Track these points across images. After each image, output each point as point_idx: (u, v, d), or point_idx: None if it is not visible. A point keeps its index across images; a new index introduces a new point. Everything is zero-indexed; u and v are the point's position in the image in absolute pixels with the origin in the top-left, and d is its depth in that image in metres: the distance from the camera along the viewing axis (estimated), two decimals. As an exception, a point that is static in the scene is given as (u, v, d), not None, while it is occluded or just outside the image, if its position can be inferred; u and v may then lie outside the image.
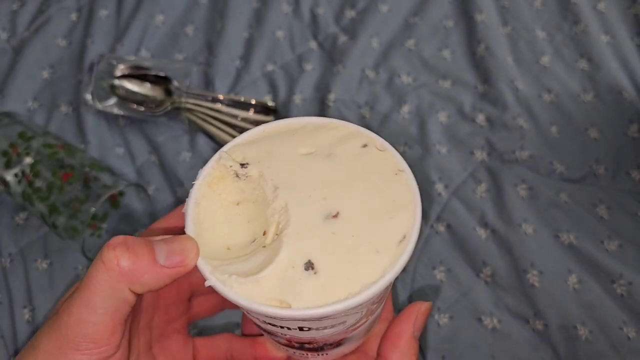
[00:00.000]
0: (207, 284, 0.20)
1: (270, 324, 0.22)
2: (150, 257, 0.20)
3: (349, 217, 0.22)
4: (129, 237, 0.20)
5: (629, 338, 0.40)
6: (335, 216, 0.22)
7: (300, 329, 0.22)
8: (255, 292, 0.20)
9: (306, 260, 0.21)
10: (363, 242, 0.21)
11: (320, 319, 0.20)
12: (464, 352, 0.41)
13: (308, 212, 0.22)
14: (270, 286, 0.20)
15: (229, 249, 0.22)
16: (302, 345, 0.26)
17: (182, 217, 0.22)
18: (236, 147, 0.24)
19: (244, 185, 0.23)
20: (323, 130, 0.25)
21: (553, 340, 0.41)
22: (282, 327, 0.22)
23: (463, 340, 0.41)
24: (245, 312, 0.23)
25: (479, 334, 0.41)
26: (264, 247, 0.22)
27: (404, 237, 0.22)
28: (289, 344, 0.25)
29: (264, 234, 0.22)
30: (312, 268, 0.21)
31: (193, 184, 0.23)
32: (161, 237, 0.21)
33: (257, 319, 0.22)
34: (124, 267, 0.20)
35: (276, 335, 0.24)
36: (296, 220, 0.22)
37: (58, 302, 0.23)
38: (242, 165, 0.23)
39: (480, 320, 0.42)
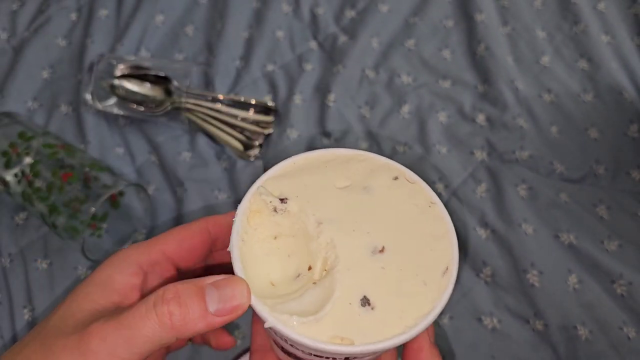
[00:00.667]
0: (267, 325, 0.20)
1: (316, 355, 0.22)
2: (201, 307, 0.21)
3: (394, 251, 0.23)
4: (180, 288, 0.21)
5: (629, 338, 0.40)
6: (382, 251, 0.23)
7: (347, 358, 0.22)
8: (317, 331, 0.20)
9: (362, 297, 0.21)
10: (411, 275, 0.22)
11: (378, 352, 0.21)
12: (464, 352, 0.41)
13: (355, 248, 0.23)
14: (331, 324, 0.20)
15: (273, 284, 0.22)
16: None
17: (204, 231, 0.23)
18: (270, 180, 0.25)
19: (281, 220, 0.24)
20: (353, 162, 0.26)
21: (553, 340, 0.41)
22: (327, 358, 0.23)
23: (463, 340, 0.41)
24: (280, 339, 0.23)
25: (479, 334, 0.41)
26: (314, 283, 0.22)
27: (447, 269, 0.23)
28: None
29: (309, 269, 0.23)
30: (369, 304, 0.21)
31: (234, 220, 0.23)
32: (212, 278, 0.21)
33: (299, 349, 0.22)
34: (176, 323, 0.20)
35: None
36: (345, 256, 0.22)
37: (63, 308, 0.23)
38: (282, 200, 0.24)
39: (480, 320, 0.42)
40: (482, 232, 0.45)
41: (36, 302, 0.43)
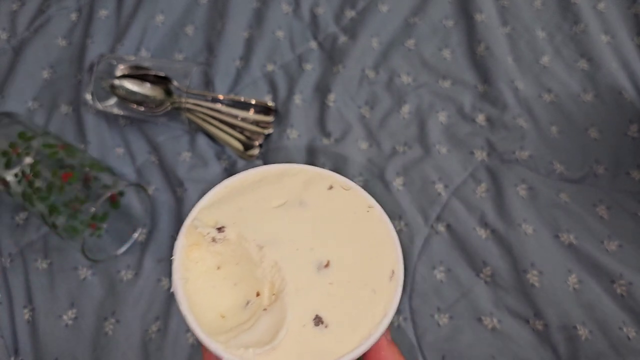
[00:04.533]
0: None
1: None
2: None
3: (340, 263, 0.23)
4: None
5: (629, 338, 0.40)
6: (327, 265, 0.22)
7: None
8: (275, 359, 0.20)
9: (314, 316, 0.21)
10: (359, 285, 0.22)
11: None
12: (463, 352, 0.41)
13: (300, 267, 0.22)
14: (288, 350, 0.20)
15: (223, 316, 0.22)
16: None
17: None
18: (204, 210, 0.24)
19: (221, 249, 0.23)
20: (286, 177, 0.26)
21: (553, 340, 0.41)
22: None
23: (463, 340, 0.41)
24: None
25: (479, 334, 0.41)
26: (265, 309, 0.22)
27: (393, 272, 0.23)
28: None
29: (258, 295, 0.22)
30: (322, 322, 0.21)
31: (173, 259, 0.22)
32: None
33: None
34: None
35: None
36: (291, 277, 0.22)
37: None
38: (219, 229, 0.23)
39: (480, 320, 0.42)
40: (482, 232, 0.45)
41: (36, 302, 0.43)
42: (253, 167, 0.26)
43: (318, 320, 0.21)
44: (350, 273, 0.22)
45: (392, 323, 0.42)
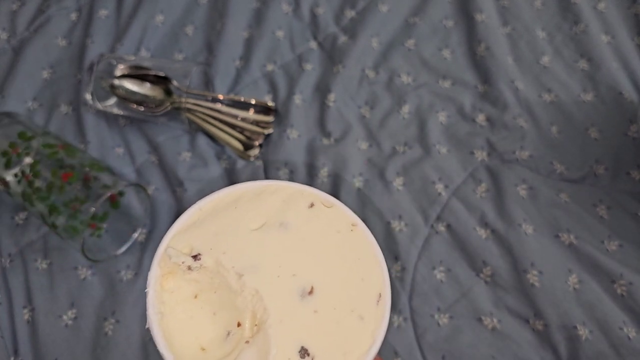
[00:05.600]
0: None
1: None
2: None
3: (324, 289, 0.21)
4: None
5: (629, 338, 0.40)
6: (311, 292, 0.21)
7: None
8: None
9: (299, 349, 0.20)
10: (345, 312, 0.21)
11: None
12: (464, 352, 0.41)
13: (283, 295, 0.21)
14: None
15: (204, 349, 0.21)
16: None
17: None
18: (178, 235, 0.23)
19: (198, 276, 0.22)
20: (264, 195, 0.24)
21: (553, 340, 0.40)
22: None
23: (463, 340, 0.41)
24: None
25: (479, 334, 0.41)
26: (247, 342, 0.20)
27: (380, 296, 0.22)
28: None
29: (239, 325, 0.21)
30: (308, 354, 0.20)
31: (147, 292, 0.21)
32: None
33: None
34: None
35: None
36: (274, 307, 0.21)
37: None
38: (194, 257, 0.22)
39: (480, 320, 0.42)
40: (482, 232, 0.45)
41: (36, 302, 0.43)
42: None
43: (304, 353, 0.20)
44: (336, 299, 0.21)
45: (391, 323, 0.42)
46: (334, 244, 0.23)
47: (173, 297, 0.21)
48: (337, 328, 0.21)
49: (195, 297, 0.22)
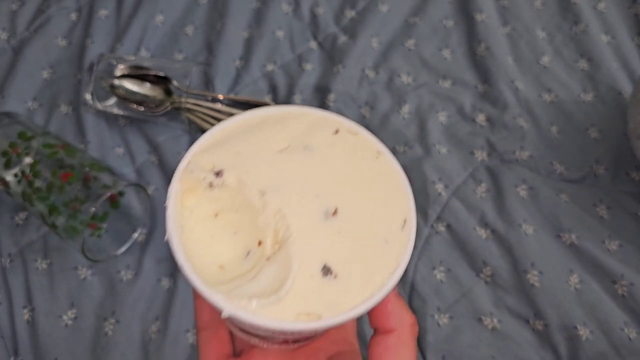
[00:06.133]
0: (225, 315, 0.18)
1: (279, 332, 0.20)
2: None
3: (348, 211, 0.21)
4: None
5: (629, 339, 0.40)
6: (335, 213, 0.21)
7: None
8: (280, 311, 0.19)
9: (322, 266, 0.20)
10: (369, 234, 0.21)
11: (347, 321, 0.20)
12: (464, 352, 0.41)
13: (306, 214, 0.21)
14: (294, 301, 0.19)
15: (222, 267, 0.20)
16: (296, 341, 0.25)
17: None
18: (200, 153, 0.22)
19: (219, 194, 0.21)
20: (288, 120, 0.24)
21: (553, 340, 0.40)
22: (292, 333, 0.21)
23: (463, 340, 0.41)
24: (237, 324, 0.22)
25: (479, 334, 0.41)
26: (268, 259, 0.20)
27: (405, 221, 0.21)
28: (283, 342, 0.25)
29: (260, 244, 0.21)
30: (331, 273, 0.20)
31: (166, 206, 0.20)
32: None
33: (260, 329, 0.21)
34: None
35: (273, 339, 0.24)
36: (297, 226, 0.20)
37: None
38: (217, 174, 0.21)
39: (480, 320, 0.42)
40: (482, 232, 0.45)
41: (36, 302, 0.43)
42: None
43: (327, 271, 0.20)
44: (360, 222, 0.21)
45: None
46: (358, 169, 0.22)
47: (193, 215, 0.21)
48: (361, 249, 0.20)
49: (216, 215, 0.21)
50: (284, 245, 0.20)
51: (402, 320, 0.23)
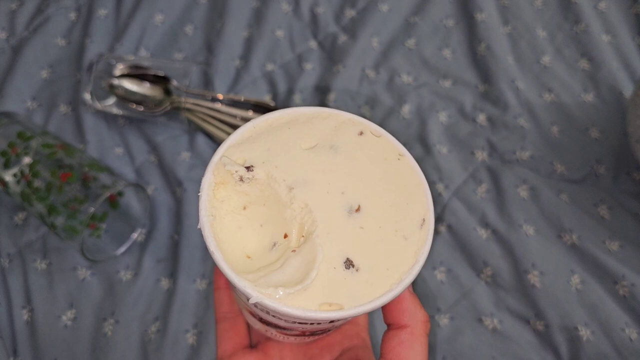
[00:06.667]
0: (252, 301, 0.19)
1: (300, 322, 0.22)
2: None
3: (371, 208, 0.22)
4: None
5: (631, 339, 0.40)
6: (358, 210, 0.22)
7: (332, 321, 0.22)
8: (305, 300, 0.20)
9: (345, 259, 0.21)
10: (390, 231, 0.22)
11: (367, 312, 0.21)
12: (464, 352, 0.41)
13: (331, 210, 0.22)
14: (318, 291, 0.20)
15: (249, 257, 0.22)
16: (313, 334, 0.26)
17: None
18: (232, 148, 0.23)
19: (248, 189, 0.23)
20: (316, 120, 0.25)
21: (554, 341, 0.40)
22: (312, 324, 0.22)
23: (463, 341, 0.41)
24: (261, 312, 0.23)
25: (480, 334, 0.41)
26: (293, 251, 0.21)
27: (424, 221, 0.22)
28: (300, 334, 0.25)
29: (285, 237, 0.22)
30: (353, 266, 0.21)
31: (200, 196, 0.22)
32: None
33: (282, 319, 0.22)
34: None
35: (291, 330, 0.24)
36: (322, 219, 0.22)
37: None
38: (247, 168, 0.23)
39: (480, 320, 0.42)
40: (482, 233, 0.45)
41: (35, 303, 0.43)
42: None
43: (349, 264, 0.21)
44: (381, 219, 0.22)
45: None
46: (381, 169, 0.24)
47: (223, 206, 0.22)
48: (382, 245, 0.21)
49: (244, 208, 0.22)
50: (309, 238, 0.21)
51: (415, 317, 0.24)
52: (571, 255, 0.43)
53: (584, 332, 0.40)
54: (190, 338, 0.42)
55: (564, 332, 0.40)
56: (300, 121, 0.25)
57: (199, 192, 0.22)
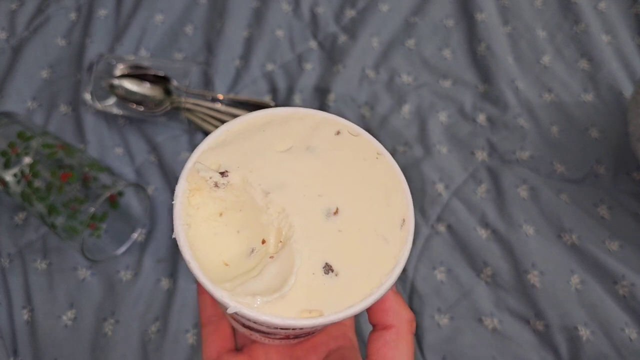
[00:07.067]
0: (230, 311, 0.19)
1: (282, 328, 0.21)
2: None
3: (349, 210, 0.22)
4: None
5: (630, 339, 0.40)
6: (336, 212, 0.22)
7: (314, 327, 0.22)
8: (283, 308, 0.19)
9: (324, 264, 0.20)
10: (370, 233, 0.21)
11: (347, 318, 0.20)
12: (464, 352, 0.41)
13: (309, 213, 0.21)
14: (297, 298, 0.20)
15: (227, 264, 0.21)
16: (297, 337, 0.25)
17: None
18: (205, 153, 0.23)
19: (224, 194, 0.22)
20: (292, 121, 0.24)
21: (554, 341, 0.40)
22: (294, 329, 0.22)
23: (463, 341, 0.41)
24: (242, 320, 0.22)
25: (480, 334, 0.41)
26: (271, 257, 0.21)
27: (404, 221, 0.22)
28: (284, 337, 0.25)
29: (263, 242, 0.21)
30: (332, 270, 0.20)
31: (174, 204, 0.21)
32: None
33: (263, 326, 0.21)
34: None
35: (274, 334, 0.24)
36: (300, 224, 0.21)
37: None
38: (222, 173, 0.22)
39: (480, 320, 0.42)
40: (482, 233, 0.45)
41: (35, 303, 0.43)
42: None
43: (328, 268, 0.20)
44: (360, 221, 0.22)
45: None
46: (359, 169, 0.23)
47: (199, 214, 0.22)
48: (361, 248, 0.21)
49: (220, 215, 0.22)
50: (287, 243, 0.21)
51: (400, 317, 0.23)
52: (571, 255, 0.43)
53: (584, 332, 0.40)
54: (190, 338, 0.42)
55: (563, 332, 0.40)
56: (275, 123, 0.24)
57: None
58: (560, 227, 0.45)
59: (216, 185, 0.22)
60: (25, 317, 0.43)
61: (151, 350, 0.41)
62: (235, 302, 0.19)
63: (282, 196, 0.22)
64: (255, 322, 0.21)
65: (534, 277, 0.42)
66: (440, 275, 0.44)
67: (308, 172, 0.23)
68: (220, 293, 0.19)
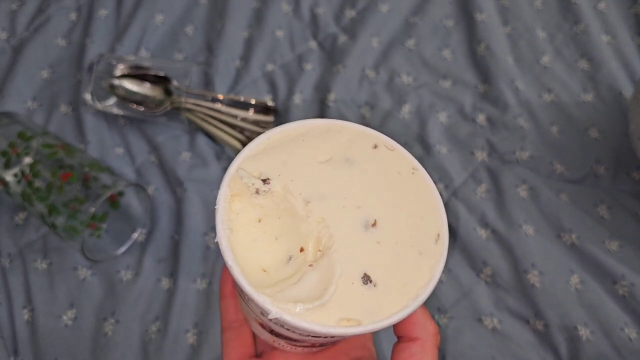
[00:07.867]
0: (271, 316, 0.19)
1: (313, 336, 0.21)
2: None
3: (387, 223, 0.22)
4: None
5: (630, 339, 0.40)
6: (374, 224, 0.22)
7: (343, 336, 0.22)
8: (323, 316, 0.20)
9: (362, 275, 0.21)
10: (406, 246, 0.22)
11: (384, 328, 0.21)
12: (464, 352, 0.41)
13: (348, 224, 0.22)
14: (336, 307, 0.20)
15: (265, 271, 0.21)
16: (321, 345, 0.26)
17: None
18: (247, 160, 0.23)
19: (263, 201, 0.22)
20: (330, 133, 0.25)
21: (554, 340, 0.40)
22: (325, 337, 0.22)
23: (463, 340, 0.41)
24: (276, 326, 0.23)
25: (480, 334, 0.41)
26: (310, 265, 0.21)
27: (439, 236, 0.22)
28: (310, 345, 0.25)
29: (301, 250, 0.22)
30: (370, 281, 0.21)
31: (216, 209, 0.22)
32: None
33: (296, 332, 0.21)
34: None
35: (302, 342, 0.24)
36: (339, 234, 0.22)
37: None
38: (264, 181, 0.22)
39: (480, 320, 0.42)
40: (482, 233, 0.45)
41: (36, 303, 0.43)
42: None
43: (366, 279, 0.21)
44: (397, 233, 0.22)
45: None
46: (395, 183, 0.24)
47: (238, 219, 0.22)
48: (398, 260, 0.21)
49: (259, 221, 0.22)
50: (327, 252, 0.21)
51: (426, 329, 0.24)
52: (571, 255, 0.43)
53: (584, 332, 0.40)
54: (190, 338, 0.42)
55: (563, 331, 0.41)
56: (313, 134, 0.25)
57: (215, 204, 0.22)
58: (560, 227, 0.45)
59: (257, 192, 0.22)
60: (26, 317, 0.43)
61: (151, 350, 0.41)
62: (277, 308, 0.19)
63: (322, 206, 0.22)
64: (289, 329, 0.21)
65: (533, 277, 0.42)
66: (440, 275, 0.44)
67: (347, 184, 0.23)
68: (262, 298, 0.19)
